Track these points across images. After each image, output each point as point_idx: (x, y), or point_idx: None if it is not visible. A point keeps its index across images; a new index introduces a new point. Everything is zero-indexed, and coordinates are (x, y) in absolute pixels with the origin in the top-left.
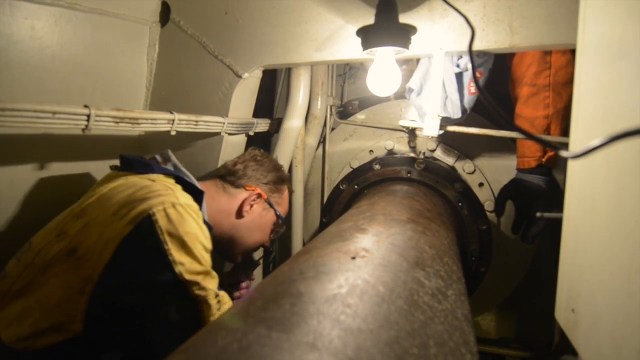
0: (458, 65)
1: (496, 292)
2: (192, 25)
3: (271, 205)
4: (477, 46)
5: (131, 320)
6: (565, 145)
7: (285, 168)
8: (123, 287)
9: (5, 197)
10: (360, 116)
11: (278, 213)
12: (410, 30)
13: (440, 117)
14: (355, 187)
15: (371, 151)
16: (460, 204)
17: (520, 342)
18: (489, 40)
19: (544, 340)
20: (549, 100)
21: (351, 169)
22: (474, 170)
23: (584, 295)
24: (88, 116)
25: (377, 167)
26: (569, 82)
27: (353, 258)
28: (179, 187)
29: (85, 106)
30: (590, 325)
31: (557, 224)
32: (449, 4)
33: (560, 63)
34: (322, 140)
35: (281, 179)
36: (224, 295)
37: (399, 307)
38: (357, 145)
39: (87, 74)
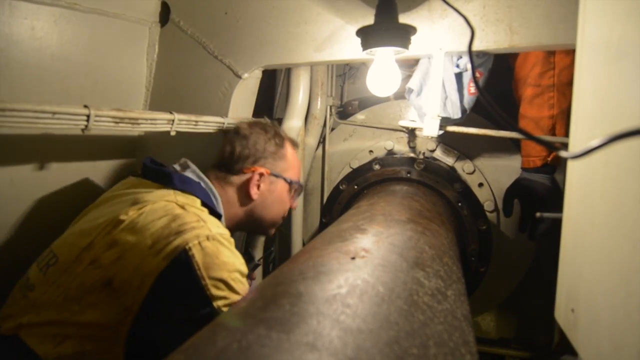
0: (458, 66)
1: (496, 292)
2: (192, 25)
3: (278, 176)
4: (476, 46)
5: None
6: (564, 146)
7: None
8: (162, 320)
9: (5, 197)
10: (360, 116)
11: (289, 180)
12: (410, 30)
13: (440, 118)
14: (355, 187)
15: (371, 151)
16: (460, 204)
17: (520, 342)
18: (489, 41)
19: (543, 340)
20: (553, 100)
21: (351, 169)
22: (474, 171)
23: (583, 295)
24: (88, 116)
25: (376, 167)
26: (573, 82)
27: (353, 258)
28: (206, 212)
29: (85, 106)
30: (589, 325)
31: (557, 224)
32: (448, 4)
33: (564, 63)
34: (322, 141)
35: (277, 144)
36: None
37: (399, 307)
38: (357, 146)
39: (87, 74)
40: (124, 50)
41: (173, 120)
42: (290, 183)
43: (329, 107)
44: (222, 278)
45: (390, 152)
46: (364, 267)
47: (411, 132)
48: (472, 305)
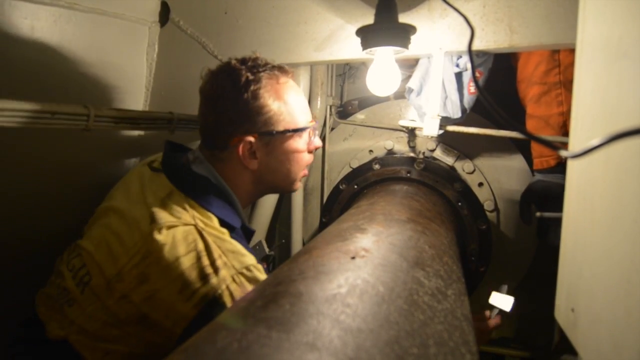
0: (457, 65)
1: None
2: (192, 25)
3: (271, 133)
4: (476, 46)
5: None
6: (565, 145)
7: None
8: None
9: (5, 197)
10: (359, 116)
11: (290, 129)
12: (409, 30)
13: (440, 117)
14: (355, 187)
15: (371, 151)
16: (459, 203)
17: (520, 342)
18: (489, 40)
19: (543, 340)
20: (562, 97)
21: (351, 169)
22: (474, 170)
23: (583, 295)
24: (88, 116)
25: (376, 167)
26: None
27: (353, 258)
28: (226, 234)
29: (85, 106)
30: (590, 325)
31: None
32: (448, 3)
33: (569, 60)
34: (322, 140)
35: (252, 96)
36: None
37: (399, 306)
38: (357, 145)
39: (87, 74)
40: (124, 50)
41: (173, 120)
42: (294, 131)
43: (328, 107)
44: None
45: (390, 152)
46: (364, 266)
47: (411, 132)
48: (472, 304)
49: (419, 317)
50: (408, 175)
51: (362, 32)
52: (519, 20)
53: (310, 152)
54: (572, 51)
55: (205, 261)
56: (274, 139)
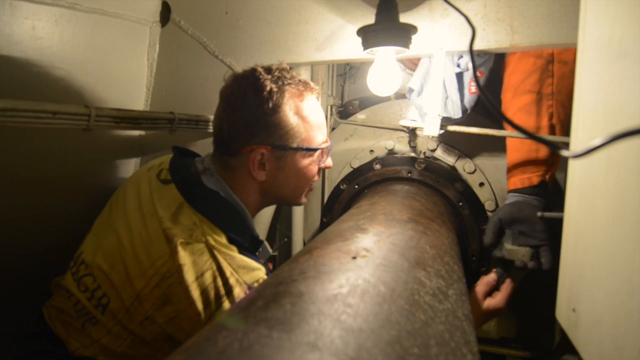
0: (458, 65)
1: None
2: (193, 25)
3: (285, 148)
4: (477, 46)
5: None
6: (566, 145)
7: None
8: None
9: (5, 197)
10: (360, 116)
11: (303, 147)
12: (410, 29)
13: (441, 117)
14: (356, 186)
15: (371, 151)
16: (460, 203)
17: (521, 342)
18: (490, 40)
19: (544, 340)
20: (552, 109)
21: (351, 169)
22: (475, 170)
23: (585, 295)
24: (88, 116)
25: (377, 166)
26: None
27: (354, 258)
28: (235, 251)
29: (86, 106)
30: (591, 325)
31: (558, 224)
32: (449, 3)
33: (562, 72)
34: None
35: (272, 108)
36: None
37: (400, 307)
38: (358, 145)
39: (88, 74)
40: (125, 50)
41: (173, 120)
42: (307, 150)
43: (329, 107)
44: None
45: (391, 152)
46: (365, 266)
47: (412, 132)
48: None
49: (420, 317)
50: (409, 175)
51: (363, 32)
52: (520, 20)
53: (322, 169)
54: (565, 63)
55: (219, 281)
56: (286, 154)
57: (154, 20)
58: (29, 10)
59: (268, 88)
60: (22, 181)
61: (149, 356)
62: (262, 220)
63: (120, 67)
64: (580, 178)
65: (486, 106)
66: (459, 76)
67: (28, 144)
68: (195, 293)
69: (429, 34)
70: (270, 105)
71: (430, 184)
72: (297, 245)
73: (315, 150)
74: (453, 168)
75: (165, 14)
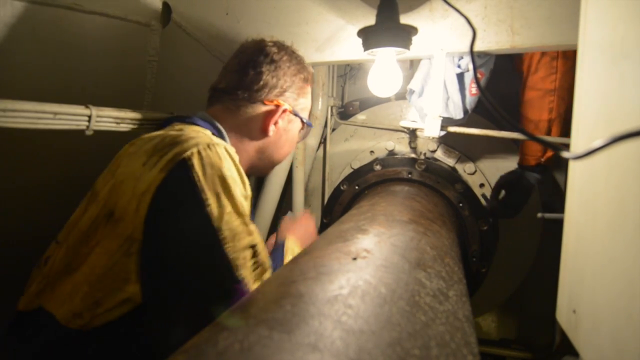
0: (459, 66)
1: (497, 293)
2: (193, 25)
3: (297, 115)
4: (478, 47)
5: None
6: (566, 146)
7: (286, 169)
8: (165, 242)
9: (5, 197)
10: (361, 117)
11: (306, 120)
12: (411, 31)
13: (442, 118)
14: (356, 187)
15: (372, 152)
16: (461, 204)
17: (521, 343)
18: (490, 41)
19: (545, 341)
20: (553, 104)
21: (352, 170)
22: (475, 171)
23: (585, 297)
24: (89, 117)
25: (377, 167)
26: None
27: (354, 259)
28: (209, 132)
29: (87, 107)
30: (591, 327)
31: (559, 225)
32: (450, 4)
33: (566, 67)
34: (323, 141)
35: (304, 79)
36: (263, 261)
37: (401, 308)
38: (358, 146)
39: (88, 75)
40: (125, 50)
41: None
42: (305, 124)
43: (330, 108)
44: (224, 191)
45: (391, 153)
46: (365, 267)
47: (412, 133)
48: (474, 305)
49: (420, 318)
50: (409, 176)
51: (364, 33)
52: (520, 21)
53: (294, 147)
54: (569, 58)
55: (177, 135)
56: (296, 120)
57: (155, 21)
58: (30, 10)
59: (302, 61)
60: (22, 182)
61: (87, 255)
62: (263, 220)
63: (120, 68)
64: (580, 179)
65: (486, 107)
66: (460, 77)
67: (28, 145)
68: (139, 152)
69: (430, 35)
70: (305, 75)
71: (431, 185)
72: None
73: (309, 127)
74: (453, 169)
75: (166, 15)
